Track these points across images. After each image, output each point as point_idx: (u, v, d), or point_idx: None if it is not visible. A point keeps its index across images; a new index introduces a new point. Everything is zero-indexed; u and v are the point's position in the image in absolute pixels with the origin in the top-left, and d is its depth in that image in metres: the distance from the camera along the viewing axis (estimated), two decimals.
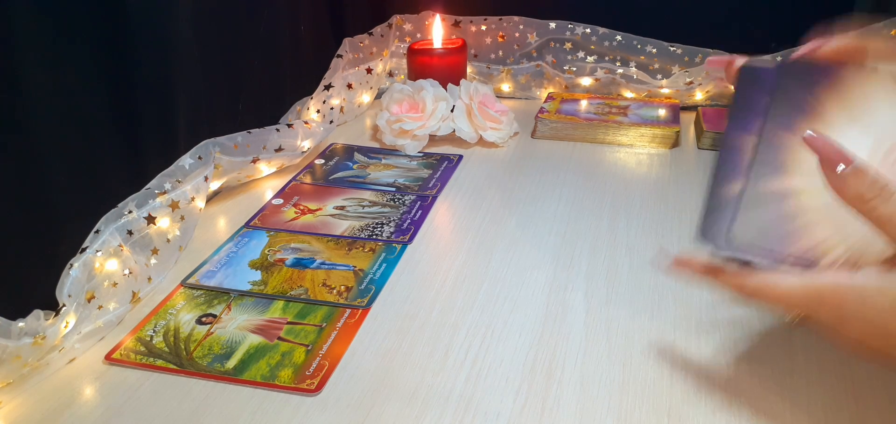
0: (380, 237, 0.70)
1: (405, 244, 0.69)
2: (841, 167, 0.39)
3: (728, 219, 0.42)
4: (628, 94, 1.02)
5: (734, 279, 0.43)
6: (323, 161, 0.87)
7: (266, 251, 0.68)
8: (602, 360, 0.53)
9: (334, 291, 0.61)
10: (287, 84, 0.94)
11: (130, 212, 0.62)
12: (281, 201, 0.78)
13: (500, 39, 1.08)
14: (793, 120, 0.41)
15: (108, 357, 0.54)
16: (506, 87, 1.08)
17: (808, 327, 0.45)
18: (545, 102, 0.99)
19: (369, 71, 1.02)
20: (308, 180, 0.83)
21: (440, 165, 0.85)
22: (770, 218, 0.42)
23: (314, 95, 0.94)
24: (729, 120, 0.43)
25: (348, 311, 0.59)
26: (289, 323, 0.58)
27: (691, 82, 0.99)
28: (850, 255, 0.41)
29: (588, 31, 1.03)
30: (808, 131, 0.40)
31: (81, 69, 0.62)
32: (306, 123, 0.85)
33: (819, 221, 0.41)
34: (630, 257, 0.65)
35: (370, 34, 1.07)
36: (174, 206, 0.66)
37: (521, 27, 1.06)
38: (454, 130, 0.89)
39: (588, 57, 1.04)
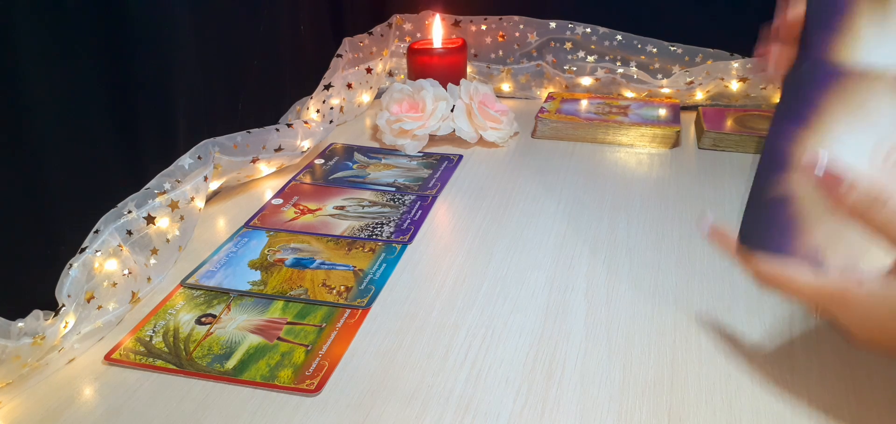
0: (380, 237, 0.70)
1: (405, 244, 0.69)
2: (839, 187, 0.41)
3: (777, 217, 0.44)
4: (629, 93, 1.02)
5: (754, 264, 0.45)
6: (323, 161, 0.87)
7: (266, 251, 0.68)
8: (602, 360, 0.52)
9: (334, 291, 0.61)
10: (287, 84, 0.94)
11: (130, 212, 0.62)
12: (281, 200, 0.78)
13: (500, 39, 1.08)
14: (802, 114, 0.42)
15: (108, 358, 0.54)
16: (506, 86, 1.08)
17: (828, 321, 0.47)
18: (545, 101, 0.99)
19: (369, 71, 1.02)
20: (308, 179, 0.83)
21: (440, 165, 0.85)
22: (776, 218, 0.43)
23: (314, 94, 0.94)
24: (772, 122, 0.44)
25: (348, 311, 0.59)
26: (288, 323, 0.58)
27: (692, 82, 0.99)
28: (854, 251, 0.41)
29: (588, 30, 1.03)
30: (807, 156, 0.42)
31: (81, 69, 0.62)
32: (306, 122, 0.85)
33: (821, 217, 0.42)
34: (630, 257, 0.65)
35: (370, 34, 1.07)
36: (174, 206, 0.66)
37: (522, 27, 1.06)
38: (454, 130, 0.89)
39: (588, 57, 1.04)
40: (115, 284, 0.58)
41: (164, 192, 0.66)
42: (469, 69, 1.07)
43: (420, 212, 0.75)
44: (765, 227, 0.44)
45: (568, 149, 0.89)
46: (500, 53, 1.08)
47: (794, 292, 0.44)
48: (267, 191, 0.80)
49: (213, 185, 0.76)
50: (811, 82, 0.42)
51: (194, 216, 0.69)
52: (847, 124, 0.41)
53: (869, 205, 0.40)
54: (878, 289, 0.40)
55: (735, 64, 0.97)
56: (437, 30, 1.02)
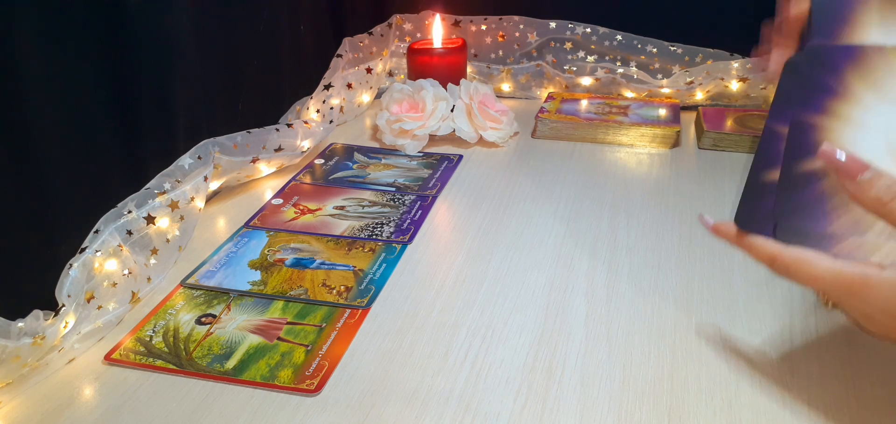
0: (380, 237, 0.70)
1: (405, 244, 0.69)
2: (861, 176, 0.39)
3: (767, 203, 0.43)
4: (629, 93, 1.02)
5: (769, 251, 0.44)
6: (323, 161, 0.87)
7: (266, 251, 0.68)
8: (602, 360, 0.52)
9: (334, 291, 0.61)
10: (287, 84, 0.94)
11: (130, 212, 0.62)
12: (281, 200, 0.78)
13: (500, 39, 1.08)
14: (822, 102, 0.41)
15: (108, 358, 0.54)
16: (506, 86, 1.08)
17: (840, 310, 0.45)
18: (545, 101, 0.99)
19: (369, 71, 1.02)
20: (308, 179, 0.83)
21: (440, 165, 0.85)
22: (807, 198, 0.42)
23: (314, 94, 0.94)
24: (770, 111, 0.44)
25: (348, 311, 0.59)
26: (288, 323, 0.58)
27: (692, 82, 0.99)
28: (888, 235, 0.40)
29: (588, 30, 1.03)
30: (824, 146, 0.41)
31: (81, 69, 0.62)
32: (306, 122, 0.85)
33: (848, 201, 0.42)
34: (630, 257, 0.65)
35: (370, 34, 1.07)
36: (174, 206, 0.66)
37: (522, 27, 1.06)
38: (454, 130, 0.89)
39: (588, 57, 1.04)
40: (115, 284, 0.58)
41: (164, 192, 0.66)
42: (469, 69, 1.07)
43: (420, 212, 0.74)
44: (793, 206, 0.43)
45: (568, 149, 0.89)
46: (500, 52, 1.08)
47: (811, 280, 0.42)
48: (267, 191, 0.80)
49: (213, 185, 0.76)
50: (825, 64, 0.41)
51: (194, 216, 0.69)
52: (870, 104, 0.41)
53: (893, 196, 0.38)
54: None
55: (735, 64, 0.97)
56: (437, 30, 1.02)
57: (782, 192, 0.43)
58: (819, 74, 0.41)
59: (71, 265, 0.56)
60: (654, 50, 1.01)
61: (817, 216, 0.42)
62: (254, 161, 0.78)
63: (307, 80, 0.96)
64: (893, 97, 0.40)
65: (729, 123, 0.91)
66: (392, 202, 0.76)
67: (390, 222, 0.73)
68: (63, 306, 0.53)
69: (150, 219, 0.63)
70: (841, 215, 0.42)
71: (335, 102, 0.95)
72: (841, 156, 0.40)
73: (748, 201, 0.45)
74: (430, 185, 0.80)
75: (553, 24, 1.05)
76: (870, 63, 0.40)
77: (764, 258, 0.44)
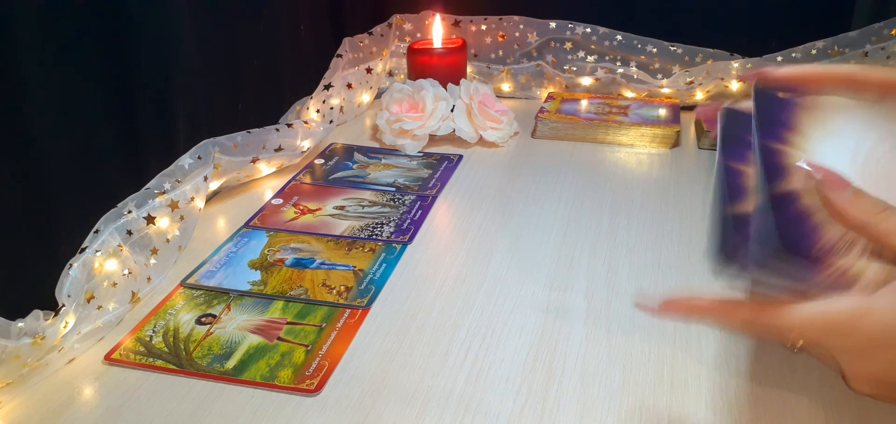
0: (380, 237, 0.70)
1: (405, 244, 0.69)
2: (843, 193, 0.39)
3: (736, 237, 0.42)
4: (629, 93, 1.02)
5: (744, 312, 0.42)
6: (323, 161, 0.87)
7: (266, 251, 0.68)
8: (602, 360, 0.52)
9: (334, 291, 0.61)
10: (287, 84, 0.94)
11: (130, 212, 0.62)
12: (281, 200, 0.78)
13: (500, 39, 1.08)
14: (780, 133, 0.42)
15: (108, 358, 0.54)
16: (506, 86, 1.08)
17: (810, 354, 0.43)
18: (545, 101, 0.99)
19: (369, 71, 1.02)
20: (308, 179, 0.83)
21: (440, 165, 0.85)
22: (786, 219, 0.42)
23: (314, 94, 0.94)
24: (719, 151, 0.44)
25: (348, 311, 0.59)
26: (288, 323, 0.58)
27: (692, 82, 0.99)
28: (870, 252, 0.40)
29: (588, 30, 1.03)
30: (804, 163, 0.41)
31: (81, 69, 0.62)
32: (306, 122, 0.85)
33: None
34: (630, 257, 0.65)
35: (370, 34, 1.07)
36: (174, 206, 0.66)
37: (522, 27, 1.06)
38: (454, 130, 0.89)
39: (588, 57, 1.04)
40: (115, 284, 0.58)
41: (164, 192, 0.66)
42: (469, 69, 1.07)
43: (420, 212, 0.74)
44: (773, 229, 0.42)
45: (568, 149, 0.89)
46: (500, 52, 1.08)
47: (796, 328, 0.40)
48: (267, 191, 0.80)
49: (213, 185, 0.76)
50: (776, 104, 0.43)
51: (194, 216, 0.69)
52: (818, 139, 0.42)
53: (877, 212, 0.38)
54: (890, 305, 0.37)
55: (735, 64, 0.97)
56: (437, 30, 1.02)
57: (761, 217, 0.42)
58: (774, 110, 0.42)
59: (71, 265, 0.56)
60: (654, 50, 1.01)
61: (799, 237, 0.42)
62: (254, 161, 0.78)
63: (307, 80, 0.96)
64: (838, 134, 0.42)
65: None
66: (392, 202, 0.76)
67: (390, 222, 0.73)
68: (63, 306, 0.53)
69: (150, 219, 0.63)
70: (824, 234, 0.42)
71: (335, 102, 0.95)
72: (818, 173, 0.40)
73: (717, 237, 0.43)
74: (430, 185, 0.80)
75: (553, 24, 1.05)
76: (815, 106, 0.42)
77: (740, 323, 0.43)
